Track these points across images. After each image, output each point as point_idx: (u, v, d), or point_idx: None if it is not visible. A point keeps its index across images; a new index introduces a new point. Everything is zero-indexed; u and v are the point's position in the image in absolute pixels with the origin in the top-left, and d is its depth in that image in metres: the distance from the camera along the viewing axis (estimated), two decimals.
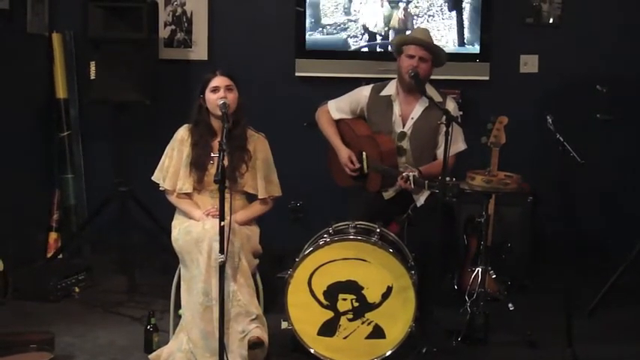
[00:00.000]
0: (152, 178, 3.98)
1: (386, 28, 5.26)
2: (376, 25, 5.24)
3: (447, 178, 3.68)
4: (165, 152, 3.98)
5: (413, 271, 3.81)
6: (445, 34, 5.23)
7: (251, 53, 5.50)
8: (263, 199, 3.95)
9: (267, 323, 3.82)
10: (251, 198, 3.98)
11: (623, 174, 5.35)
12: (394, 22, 5.25)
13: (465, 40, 5.22)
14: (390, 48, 4.83)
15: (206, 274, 3.60)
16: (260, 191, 3.93)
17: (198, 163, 3.85)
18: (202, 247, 3.63)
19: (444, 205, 3.79)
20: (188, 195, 3.91)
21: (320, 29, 5.24)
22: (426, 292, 3.90)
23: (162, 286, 4.40)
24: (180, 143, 3.92)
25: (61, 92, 5.54)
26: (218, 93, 3.79)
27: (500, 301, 4.23)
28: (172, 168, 3.91)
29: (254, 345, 3.58)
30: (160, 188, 3.96)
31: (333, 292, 3.78)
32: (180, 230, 3.81)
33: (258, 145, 3.95)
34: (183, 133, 3.94)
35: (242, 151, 3.87)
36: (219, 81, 3.81)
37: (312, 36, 5.27)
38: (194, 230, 3.73)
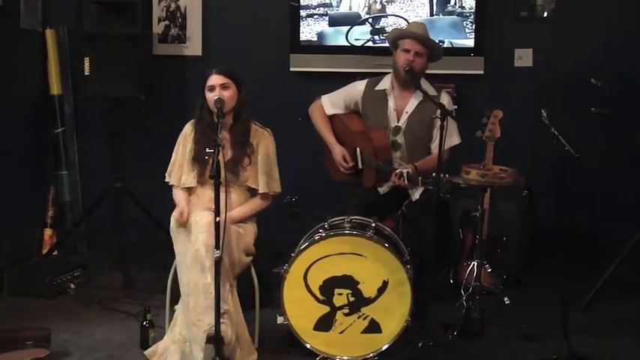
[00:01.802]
0: (166, 173, 4.02)
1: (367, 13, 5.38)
2: (359, 6, 5.39)
3: (441, 175, 3.68)
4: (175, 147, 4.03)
5: (408, 266, 3.81)
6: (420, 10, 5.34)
7: (245, 48, 5.49)
8: (264, 194, 3.96)
9: (262, 318, 3.83)
10: (254, 193, 3.99)
11: (619, 167, 5.35)
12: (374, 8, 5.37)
13: (434, 12, 5.31)
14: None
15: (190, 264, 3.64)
16: (261, 186, 3.94)
17: (199, 158, 3.89)
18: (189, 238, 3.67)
19: (439, 199, 3.79)
20: (191, 189, 3.94)
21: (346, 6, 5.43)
22: (421, 286, 3.91)
23: (158, 282, 4.40)
24: (184, 138, 3.99)
25: (55, 88, 5.52)
26: (214, 92, 3.82)
27: (496, 294, 4.24)
28: (177, 162, 3.98)
29: (211, 338, 3.51)
30: (167, 181, 4.00)
31: (328, 286, 3.78)
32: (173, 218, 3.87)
33: (262, 139, 3.97)
34: (188, 128, 4.01)
35: (244, 146, 3.91)
36: (214, 80, 3.85)
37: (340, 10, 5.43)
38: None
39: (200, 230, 3.63)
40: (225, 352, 3.54)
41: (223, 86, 3.84)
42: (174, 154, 4.01)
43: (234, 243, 3.75)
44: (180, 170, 3.96)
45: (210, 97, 3.83)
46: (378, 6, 5.35)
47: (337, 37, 5.40)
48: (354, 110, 4.47)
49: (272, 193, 3.99)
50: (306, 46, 5.41)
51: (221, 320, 3.54)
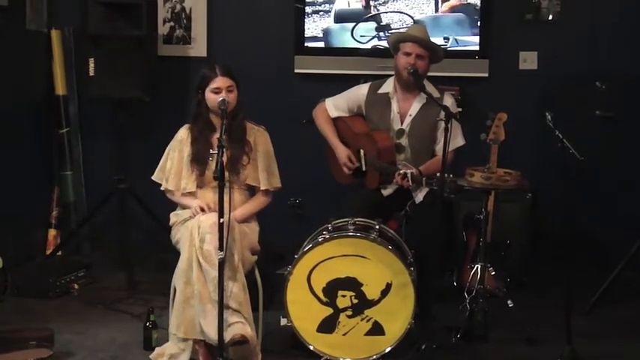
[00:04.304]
0: (152, 177, 4.02)
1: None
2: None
3: (445, 175, 3.68)
4: (165, 152, 4.01)
5: (412, 268, 3.81)
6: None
7: (250, 50, 5.49)
8: (265, 191, 3.97)
9: (266, 320, 3.82)
10: (253, 192, 4.01)
11: (623, 170, 5.35)
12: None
13: (439, 9, 5.33)
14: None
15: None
16: (262, 182, 3.95)
17: (198, 159, 3.88)
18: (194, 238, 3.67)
19: (443, 201, 3.79)
20: (191, 193, 3.93)
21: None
22: (424, 288, 3.90)
23: (162, 283, 4.39)
24: (180, 143, 3.96)
25: (60, 89, 5.53)
26: (219, 94, 3.80)
27: (500, 297, 4.23)
28: (174, 168, 3.95)
29: (236, 343, 3.53)
30: (162, 188, 3.98)
31: (332, 288, 3.78)
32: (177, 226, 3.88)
33: (259, 137, 3.98)
34: (183, 133, 3.98)
35: (242, 144, 3.91)
36: (220, 82, 3.82)
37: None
38: (188, 224, 3.77)
39: (207, 231, 3.60)
40: (249, 352, 3.60)
41: (229, 89, 3.83)
42: (169, 161, 3.97)
43: (247, 242, 3.77)
44: (177, 176, 3.93)
45: (214, 98, 3.80)
46: (373, 11, 5.34)
47: (343, 33, 5.39)
48: (357, 113, 4.46)
49: (273, 189, 4.00)
50: (311, 48, 5.41)
51: (237, 319, 3.55)
